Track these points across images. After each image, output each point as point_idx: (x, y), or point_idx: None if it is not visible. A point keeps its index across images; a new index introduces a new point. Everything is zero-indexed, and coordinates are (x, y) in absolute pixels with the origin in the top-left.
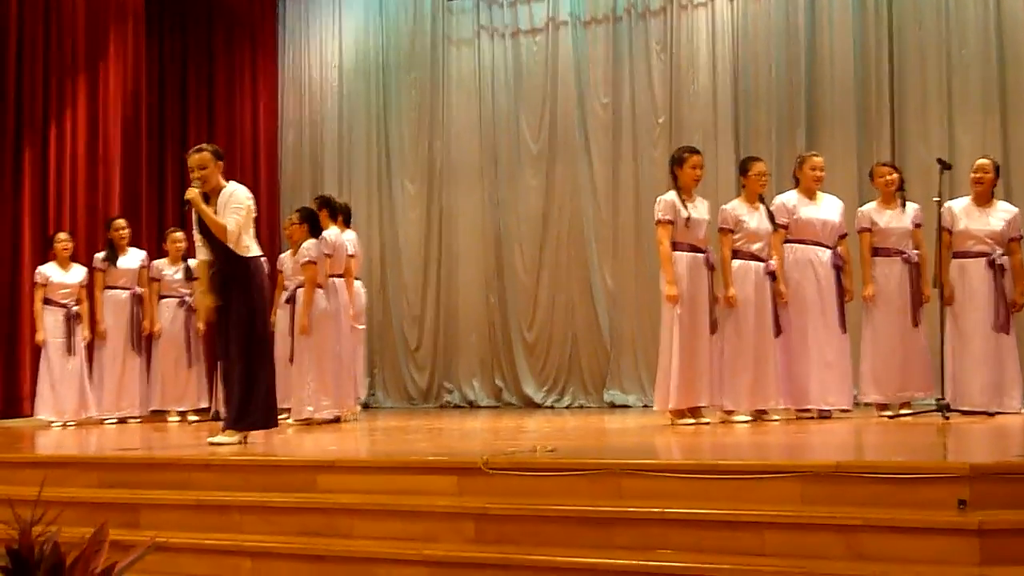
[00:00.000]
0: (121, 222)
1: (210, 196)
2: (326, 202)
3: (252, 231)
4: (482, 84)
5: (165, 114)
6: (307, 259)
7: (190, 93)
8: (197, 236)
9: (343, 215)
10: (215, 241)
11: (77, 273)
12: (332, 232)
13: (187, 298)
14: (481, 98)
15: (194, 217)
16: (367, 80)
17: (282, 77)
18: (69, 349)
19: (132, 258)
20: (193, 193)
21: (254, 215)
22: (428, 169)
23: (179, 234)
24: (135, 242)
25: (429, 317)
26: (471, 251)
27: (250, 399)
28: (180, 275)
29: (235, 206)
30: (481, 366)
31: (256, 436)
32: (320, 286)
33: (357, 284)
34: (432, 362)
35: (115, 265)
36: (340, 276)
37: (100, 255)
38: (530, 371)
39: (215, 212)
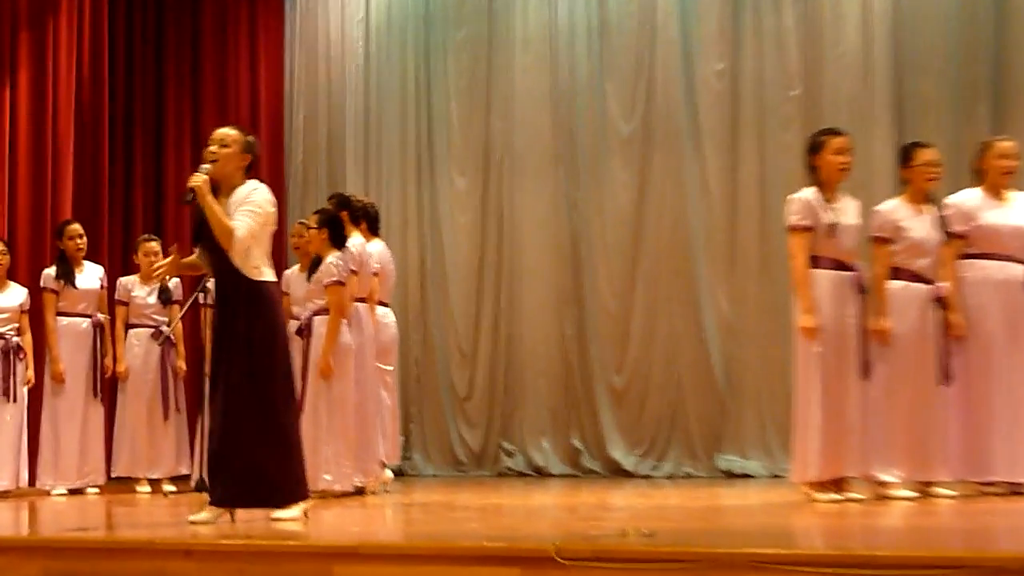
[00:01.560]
0: (76, 227)
1: (220, 191)
2: (345, 202)
3: (268, 248)
4: (556, 44)
5: (135, 84)
6: (334, 279)
7: (168, 57)
8: (194, 254)
9: (367, 220)
10: (216, 251)
11: (15, 295)
12: (355, 242)
13: (164, 328)
14: (555, 63)
15: (195, 218)
16: (402, 39)
17: (290, 36)
18: (6, 394)
19: (91, 275)
20: (201, 179)
21: (273, 228)
22: (483, 158)
23: (153, 244)
24: (92, 255)
25: (484, 355)
26: (540, 267)
27: (268, 466)
28: (154, 298)
29: (250, 209)
30: (553, 421)
31: (253, 514)
32: (346, 315)
33: (384, 311)
34: (488, 415)
35: (72, 284)
36: (363, 300)
37: (50, 271)
38: (618, 428)
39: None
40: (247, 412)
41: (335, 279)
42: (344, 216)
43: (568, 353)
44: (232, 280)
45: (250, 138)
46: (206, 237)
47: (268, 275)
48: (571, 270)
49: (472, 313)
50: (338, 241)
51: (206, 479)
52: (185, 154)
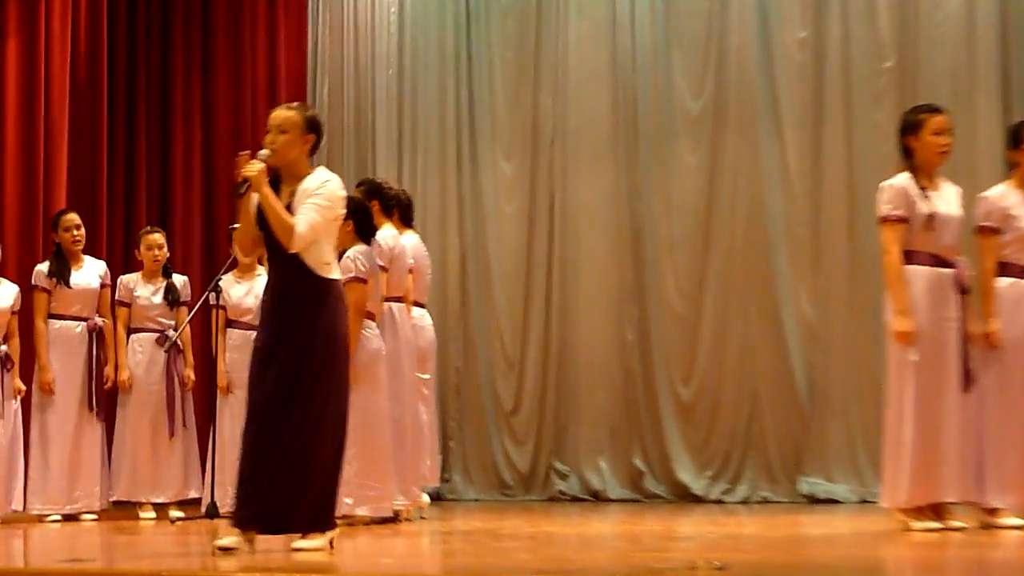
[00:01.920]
0: (73, 217)
1: (282, 179)
2: (375, 190)
3: (334, 243)
4: (615, 9)
5: (137, 54)
6: (352, 275)
7: (175, 24)
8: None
9: (400, 209)
10: (276, 248)
11: (4, 295)
12: (387, 234)
13: (170, 332)
14: (613, 31)
15: (249, 209)
16: (440, 5)
17: (314, 1)
18: None
19: (89, 272)
20: (257, 167)
21: (341, 221)
22: (532, 140)
23: (157, 236)
24: (90, 248)
25: (533, 363)
26: (597, 263)
27: (317, 490)
28: (160, 298)
29: (317, 202)
30: (612, 438)
31: (274, 542)
32: (371, 316)
33: (420, 313)
34: (537, 432)
35: (66, 283)
36: (398, 300)
37: (42, 267)
38: (686, 446)
39: (286, 206)
40: (296, 428)
41: (354, 275)
42: (374, 206)
43: (629, 361)
44: (296, 275)
45: (311, 114)
46: (265, 227)
47: (337, 273)
48: (632, 267)
49: (519, 315)
50: (365, 234)
51: (217, 503)
52: (195, 134)
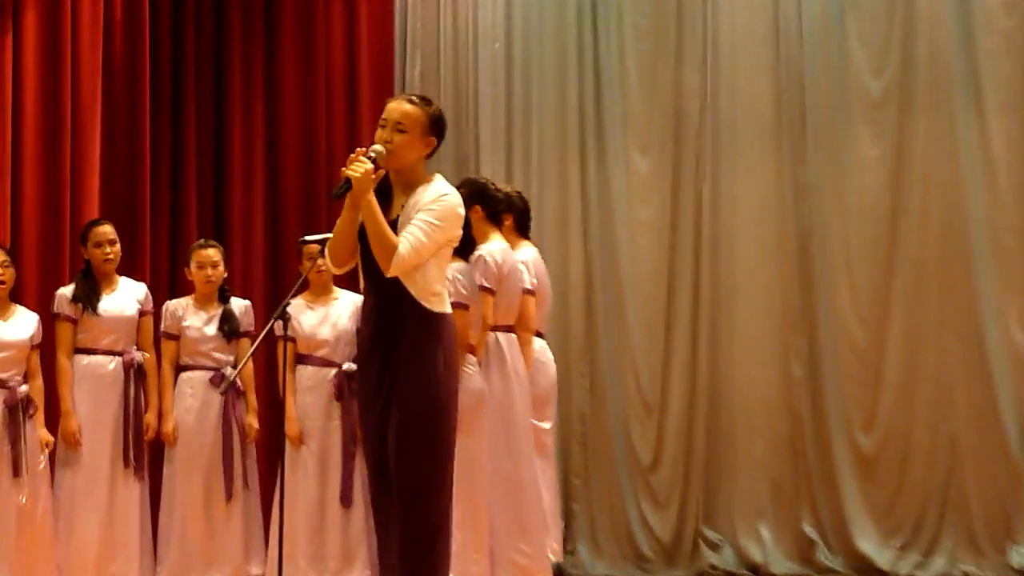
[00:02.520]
0: (106, 230)
1: (392, 186)
2: (480, 192)
3: (445, 270)
4: None
5: (185, 28)
6: (453, 299)
7: None
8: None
9: (514, 216)
10: (374, 269)
11: (21, 324)
12: (493, 248)
13: (227, 370)
14: None
15: (352, 214)
16: None
17: None
18: (15, 468)
19: (125, 296)
20: (364, 168)
21: (456, 243)
22: (674, 129)
23: (211, 252)
24: (128, 268)
25: (676, 406)
26: (756, 281)
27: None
28: (214, 328)
29: (428, 219)
30: (775, 499)
31: None
32: (471, 349)
33: (540, 346)
34: (682, 492)
35: (93, 309)
36: (507, 329)
37: (66, 291)
38: (867, 509)
39: (391, 218)
40: (424, 497)
41: (453, 300)
42: (475, 213)
43: (796, 402)
44: (399, 304)
45: (436, 111)
46: (364, 241)
47: (446, 306)
48: (799, 284)
49: (659, 347)
50: (465, 247)
51: None
52: (256, 127)
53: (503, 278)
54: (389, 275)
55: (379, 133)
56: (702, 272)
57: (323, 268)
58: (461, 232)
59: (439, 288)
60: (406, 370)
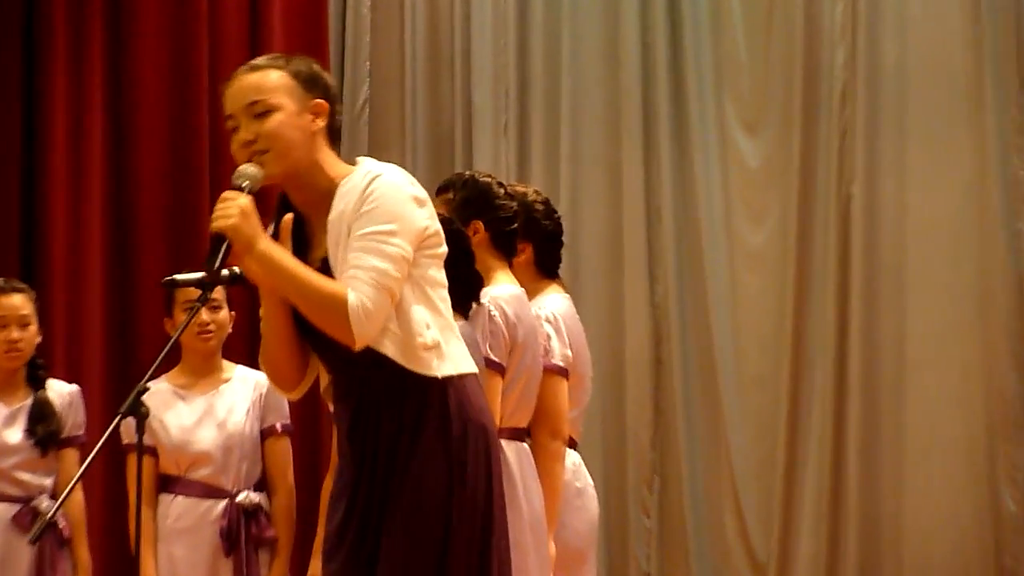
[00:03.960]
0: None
1: (303, 214)
2: (480, 197)
3: (442, 294)
4: None
5: None
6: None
7: None
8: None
9: (537, 240)
10: (326, 344)
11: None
12: (502, 293)
13: (42, 503)
14: None
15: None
16: None
17: None
18: None
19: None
20: (238, 208)
21: (441, 249)
22: (805, 96)
23: (15, 299)
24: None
25: (806, 565)
26: (947, 343)
27: None
28: (19, 432)
29: (371, 230)
30: None
31: None
32: (563, 435)
33: (574, 461)
34: None
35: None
36: (517, 435)
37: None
38: None
39: (318, 258)
40: None
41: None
42: (479, 230)
43: (1009, 556)
44: (381, 381)
45: (299, 63)
46: (299, 318)
47: (456, 359)
48: (1020, 355)
49: (777, 465)
50: (466, 289)
51: None
52: (91, 104)
53: (517, 346)
54: (359, 346)
55: (234, 141)
56: (850, 332)
57: (208, 327)
58: (436, 224)
59: (427, 333)
60: (399, 489)
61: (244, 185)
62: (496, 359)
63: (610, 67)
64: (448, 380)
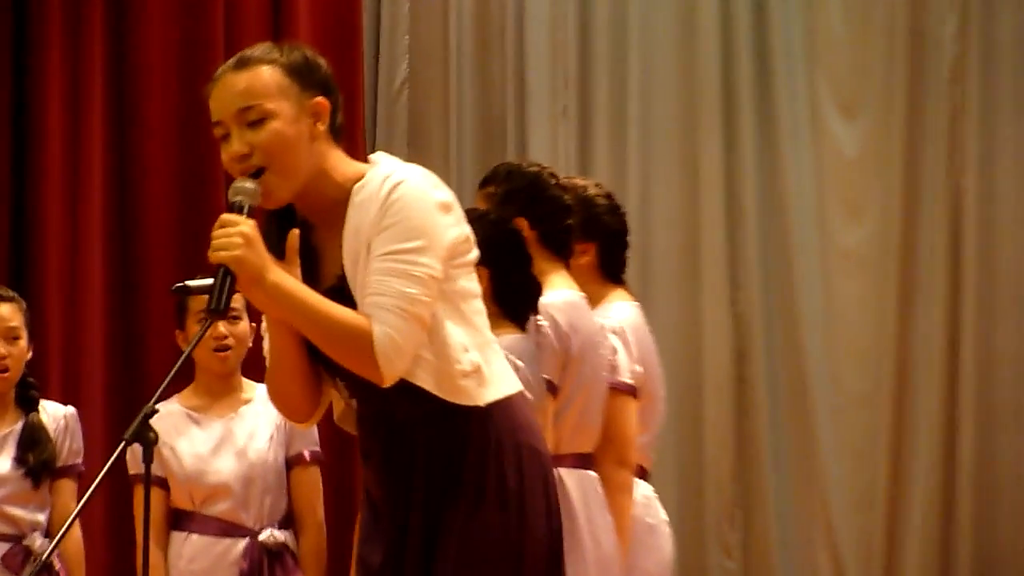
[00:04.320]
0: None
1: (311, 228)
2: (529, 188)
3: (476, 306)
4: None
5: None
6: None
7: None
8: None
9: (601, 240)
10: (350, 378)
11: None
12: (559, 300)
13: (34, 540)
14: None
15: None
16: None
17: None
18: None
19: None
20: (237, 233)
21: (471, 255)
22: (910, 70)
23: (2, 309)
24: None
25: None
26: None
27: None
28: (8, 460)
29: (394, 248)
30: None
31: None
32: (632, 463)
33: (645, 493)
34: None
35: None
36: (580, 462)
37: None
38: None
39: (333, 274)
40: None
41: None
42: (524, 228)
43: None
44: (416, 415)
45: (292, 54)
46: (316, 351)
47: (498, 379)
48: None
49: (878, 502)
50: (516, 302)
51: None
52: (90, 86)
53: (572, 360)
54: (388, 383)
55: (225, 151)
56: (961, 346)
57: (225, 341)
58: (464, 228)
59: (473, 357)
60: (448, 531)
61: (238, 203)
62: (545, 376)
63: (685, 40)
64: (494, 407)
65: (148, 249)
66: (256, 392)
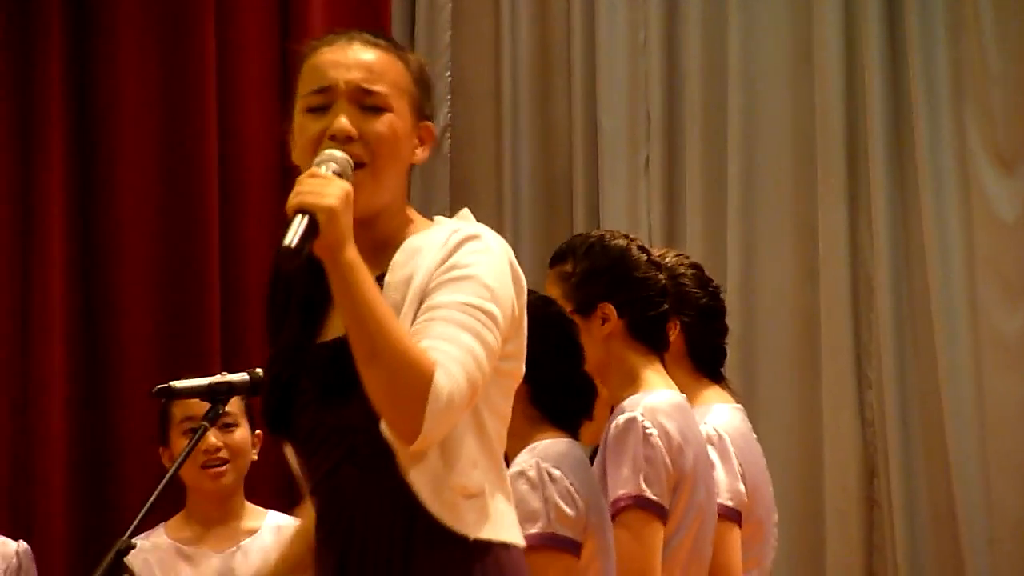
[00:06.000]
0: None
1: (358, 242)
2: (615, 266)
3: (501, 432)
4: None
5: None
6: (540, 530)
7: None
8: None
9: (692, 328)
10: (351, 434)
11: None
12: (659, 401)
13: None
14: None
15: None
16: None
17: None
18: None
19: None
20: (338, 188)
21: (517, 364)
22: None
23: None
24: None
25: None
26: None
27: None
28: None
29: (474, 302)
30: None
31: None
32: None
33: None
34: None
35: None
36: None
37: None
38: None
39: (335, 334)
40: None
41: (541, 531)
42: (610, 317)
43: None
44: (395, 529)
45: (420, 61)
46: (330, 390)
47: (499, 522)
48: None
49: None
50: (565, 405)
51: None
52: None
53: (686, 478)
54: (420, 445)
55: (313, 125)
56: None
57: (219, 455)
58: (524, 326)
59: (479, 478)
60: None
61: (333, 168)
62: (654, 497)
63: (799, 75)
64: (482, 545)
65: (120, 336)
66: (264, 520)
